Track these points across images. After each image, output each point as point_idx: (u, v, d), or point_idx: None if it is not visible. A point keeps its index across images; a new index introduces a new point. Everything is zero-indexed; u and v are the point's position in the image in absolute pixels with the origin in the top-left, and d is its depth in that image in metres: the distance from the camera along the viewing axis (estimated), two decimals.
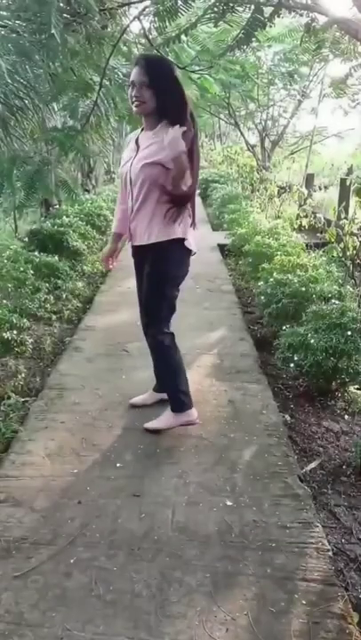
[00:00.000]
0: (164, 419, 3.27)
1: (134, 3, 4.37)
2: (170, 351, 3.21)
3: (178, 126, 2.71)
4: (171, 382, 3.28)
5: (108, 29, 4.30)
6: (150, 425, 3.26)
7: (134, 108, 2.89)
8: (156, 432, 3.23)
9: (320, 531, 2.45)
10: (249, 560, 2.26)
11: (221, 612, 2.01)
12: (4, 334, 4.19)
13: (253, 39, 3.60)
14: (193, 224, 3.09)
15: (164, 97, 2.82)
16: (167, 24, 4.04)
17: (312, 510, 2.59)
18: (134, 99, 2.83)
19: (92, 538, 2.39)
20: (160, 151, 2.83)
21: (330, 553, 2.33)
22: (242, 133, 13.50)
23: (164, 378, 3.40)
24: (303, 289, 4.42)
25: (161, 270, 3.08)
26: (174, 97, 2.82)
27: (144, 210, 2.99)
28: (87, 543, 2.36)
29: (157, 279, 3.10)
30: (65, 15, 3.78)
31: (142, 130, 3.05)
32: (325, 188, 13.48)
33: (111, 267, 3.53)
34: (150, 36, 4.55)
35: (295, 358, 3.64)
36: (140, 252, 3.15)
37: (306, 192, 8.12)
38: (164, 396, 3.44)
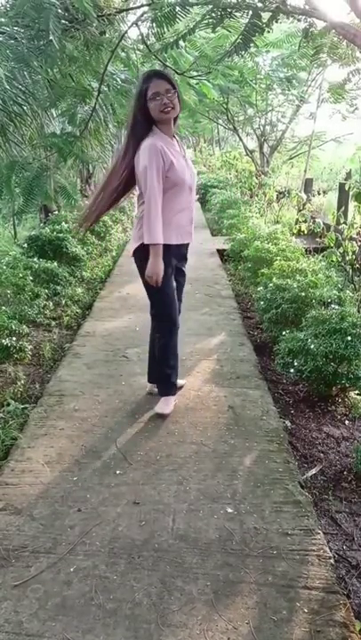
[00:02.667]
0: None
1: (132, 9, 4.38)
2: None
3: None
4: None
5: (107, 35, 4.30)
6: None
7: (166, 115, 3.08)
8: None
9: (321, 537, 2.43)
10: (250, 568, 2.24)
11: (223, 620, 2.00)
12: (4, 341, 4.19)
13: (251, 44, 3.60)
14: None
15: (179, 105, 3.16)
16: (165, 30, 4.05)
17: (313, 517, 2.57)
18: (164, 106, 3.04)
19: (91, 546, 2.37)
20: None
21: (331, 560, 2.31)
22: (240, 138, 13.51)
23: None
24: (303, 294, 4.41)
25: None
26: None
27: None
28: (87, 551, 2.34)
29: None
30: (63, 21, 3.79)
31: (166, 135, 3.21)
32: (324, 192, 13.52)
33: None
34: (148, 42, 4.56)
35: (295, 363, 3.63)
36: (185, 250, 3.52)
37: (305, 197, 8.13)
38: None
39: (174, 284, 3.42)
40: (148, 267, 3.14)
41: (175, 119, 3.23)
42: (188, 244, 3.48)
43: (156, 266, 3.15)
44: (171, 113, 3.08)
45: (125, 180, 3.26)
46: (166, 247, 3.21)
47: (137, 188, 3.27)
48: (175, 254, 3.36)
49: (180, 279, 3.53)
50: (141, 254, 3.21)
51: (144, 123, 3.12)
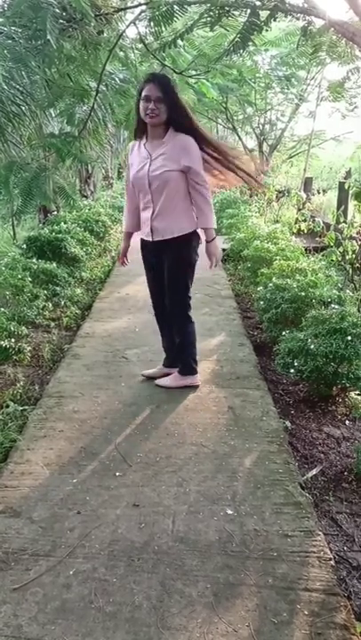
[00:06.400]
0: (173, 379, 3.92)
1: (130, 8, 4.36)
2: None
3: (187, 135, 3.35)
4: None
5: (104, 35, 4.28)
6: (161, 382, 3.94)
7: (149, 120, 3.29)
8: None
9: (322, 539, 2.42)
10: (250, 570, 2.23)
11: (223, 623, 1.98)
12: (3, 342, 4.17)
13: (250, 43, 3.58)
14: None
15: (173, 110, 3.29)
16: (163, 29, 4.02)
17: (314, 518, 2.56)
18: (150, 111, 3.25)
19: (91, 548, 2.36)
20: (178, 158, 3.34)
21: (332, 562, 2.30)
22: (240, 138, 13.50)
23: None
24: (303, 294, 4.39)
25: (187, 256, 3.60)
26: (181, 110, 3.33)
27: (168, 208, 3.45)
28: (87, 554, 2.33)
29: (182, 263, 3.61)
30: (61, 21, 3.77)
31: (146, 138, 3.46)
32: (324, 191, 13.49)
33: (126, 263, 3.97)
34: (146, 41, 4.54)
35: (295, 364, 3.62)
36: (158, 247, 3.57)
37: (304, 196, 8.13)
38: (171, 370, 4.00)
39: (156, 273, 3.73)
40: None
41: (173, 124, 3.36)
42: (163, 242, 3.54)
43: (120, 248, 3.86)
44: (155, 119, 3.28)
45: None
46: (140, 239, 3.72)
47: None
48: (148, 248, 3.67)
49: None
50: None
51: (141, 121, 3.37)
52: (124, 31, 4.36)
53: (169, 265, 3.59)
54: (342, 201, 8.55)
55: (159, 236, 3.52)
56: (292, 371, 3.65)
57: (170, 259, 3.58)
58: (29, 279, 5.49)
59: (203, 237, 3.58)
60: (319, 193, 13.07)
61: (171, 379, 3.91)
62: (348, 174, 9.31)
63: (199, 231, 3.57)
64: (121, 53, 4.64)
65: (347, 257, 5.36)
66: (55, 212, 9.39)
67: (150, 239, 3.56)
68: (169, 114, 3.29)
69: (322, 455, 3.21)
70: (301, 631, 1.95)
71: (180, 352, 3.88)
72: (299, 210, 8.08)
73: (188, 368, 3.88)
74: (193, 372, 3.88)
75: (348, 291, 4.98)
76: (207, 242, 3.59)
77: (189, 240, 3.55)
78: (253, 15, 3.35)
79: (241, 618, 2.01)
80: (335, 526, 2.63)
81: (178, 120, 3.35)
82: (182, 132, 3.37)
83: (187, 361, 3.87)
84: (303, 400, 3.86)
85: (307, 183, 11.76)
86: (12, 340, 4.27)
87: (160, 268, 3.65)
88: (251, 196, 11.36)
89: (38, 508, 2.63)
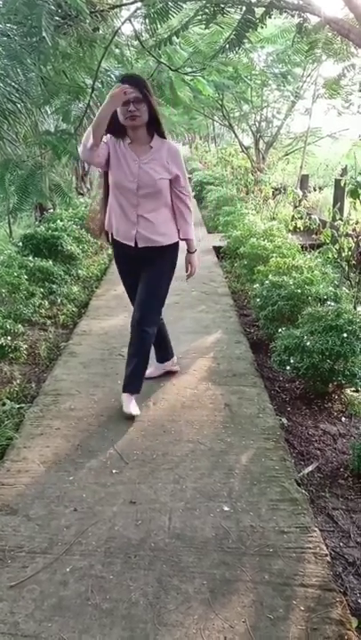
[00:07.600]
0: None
1: (125, 5, 4.36)
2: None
3: (176, 142, 3.29)
4: None
5: (100, 32, 4.28)
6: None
7: (130, 122, 3.14)
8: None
9: (318, 535, 2.43)
10: (246, 566, 2.23)
11: (219, 619, 1.99)
12: None
13: (245, 40, 3.57)
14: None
15: (152, 111, 3.17)
16: (158, 26, 4.02)
17: (310, 514, 2.57)
18: (130, 114, 3.10)
19: (88, 545, 2.36)
20: (168, 167, 3.29)
21: (328, 557, 2.31)
22: (236, 135, 13.46)
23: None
24: (299, 291, 4.40)
25: (170, 268, 3.52)
26: (157, 111, 3.22)
27: (155, 216, 3.36)
28: (83, 551, 2.33)
29: (166, 276, 3.51)
30: (56, 18, 3.77)
31: (128, 139, 3.28)
32: (320, 188, 13.46)
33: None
34: (142, 38, 4.54)
35: (291, 361, 3.62)
36: (142, 254, 3.41)
37: (301, 193, 8.12)
38: (167, 366, 4.06)
39: (136, 281, 3.54)
40: None
41: (154, 127, 3.26)
42: (148, 249, 3.40)
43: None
44: (136, 121, 3.13)
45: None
46: (113, 239, 3.52)
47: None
48: (129, 254, 3.46)
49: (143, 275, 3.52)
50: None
51: (118, 123, 3.18)
52: (119, 28, 4.36)
53: (153, 272, 3.46)
54: (338, 198, 8.55)
55: (144, 243, 3.37)
56: (288, 368, 3.65)
57: (156, 266, 3.45)
58: (25, 277, 5.47)
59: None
60: (315, 190, 13.04)
61: (153, 368, 3.99)
62: (345, 171, 9.32)
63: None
64: (117, 50, 4.65)
65: (343, 254, 5.35)
66: (51, 210, 9.37)
67: (133, 245, 3.38)
68: (150, 114, 3.16)
69: (318, 452, 3.22)
70: (297, 627, 1.96)
71: (166, 346, 4.00)
72: (295, 207, 8.07)
73: (171, 353, 4.06)
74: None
75: (344, 288, 4.99)
76: (190, 252, 3.62)
77: (175, 249, 3.50)
78: (248, 12, 3.35)
79: (237, 614, 2.02)
80: (331, 522, 2.64)
81: (158, 121, 3.25)
82: (162, 135, 3.30)
83: (171, 350, 4.04)
84: (299, 397, 3.87)
85: (303, 180, 11.74)
86: (9, 337, 4.27)
87: (139, 275, 3.51)
88: (247, 194, 11.34)
89: (35, 506, 2.63)
